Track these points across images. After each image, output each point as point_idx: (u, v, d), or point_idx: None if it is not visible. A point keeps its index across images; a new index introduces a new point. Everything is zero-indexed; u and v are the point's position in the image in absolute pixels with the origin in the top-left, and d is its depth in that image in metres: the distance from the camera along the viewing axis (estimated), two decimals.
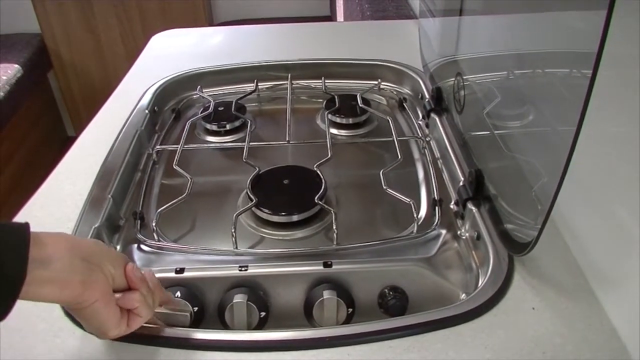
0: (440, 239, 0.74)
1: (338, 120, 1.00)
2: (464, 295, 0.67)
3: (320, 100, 1.08)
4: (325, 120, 0.97)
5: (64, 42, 2.69)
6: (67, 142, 2.80)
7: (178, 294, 0.66)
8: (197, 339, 0.58)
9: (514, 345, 0.56)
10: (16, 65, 2.39)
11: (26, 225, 0.47)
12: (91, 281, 0.49)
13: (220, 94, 1.12)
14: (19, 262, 0.44)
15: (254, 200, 0.76)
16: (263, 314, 0.67)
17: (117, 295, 0.52)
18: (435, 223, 0.76)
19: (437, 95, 0.97)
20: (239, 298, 0.66)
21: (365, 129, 1.01)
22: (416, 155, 0.93)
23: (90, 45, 2.71)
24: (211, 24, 2.81)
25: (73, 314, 0.54)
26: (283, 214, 0.75)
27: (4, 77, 2.28)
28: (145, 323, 0.56)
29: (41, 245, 0.47)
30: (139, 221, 0.78)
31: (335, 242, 0.72)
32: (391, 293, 0.68)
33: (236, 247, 0.71)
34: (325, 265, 0.68)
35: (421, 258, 0.71)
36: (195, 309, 0.66)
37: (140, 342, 0.57)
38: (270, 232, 0.76)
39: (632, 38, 0.53)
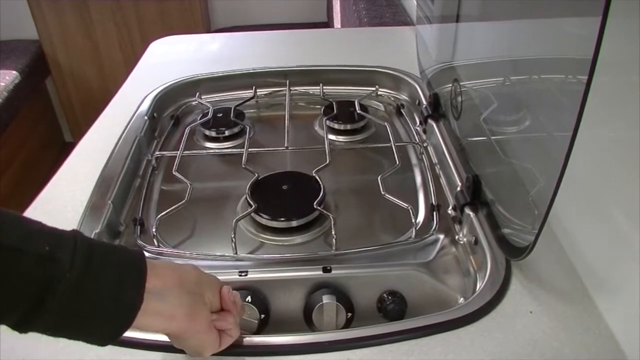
0: (439, 244, 0.75)
1: (336, 126, 1.01)
2: (462, 299, 0.68)
3: (319, 106, 1.09)
4: (324, 126, 0.98)
5: (62, 48, 2.70)
6: (64, 148, 2.81)
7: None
8: None
9: (512, 349, 0.57)
10: (14, 72, 2.39)
11: (142, 254, 0.48)
12: (196, 314, 0.51)
13: (219, 101, 1.13)
14: (137, 291, 0.46)
15: (253, 206, 0.76)
16: (263, 315, 0.67)
17: (213, 316, 0.54)
18: (433, 228, 0.77)
19: (435, 102, 0.98)
20: None
21: (363, 135, 1.01)
22: (414, 160, 0.93)
23: (88, 51, 2.72)
24: (209, 31, 2.82)
25: (170, 338, 0.54)
26: (282, 219, 0.76)
27: (2, 84, 2.29)
28: None
29: (156, 276, 0.48)
30: (139, 227, 0.78)
31: (334, 247, 0.72)
32: (390, 297, 0.68)
33: (236, 253, 0.72)
34: (325, 270, 0.69)
35: (419, 263, 0.71)
36: None
37: (136, 346, 0.58)
38: (270, 237, 0.76)
39: (628, 43, 0.54)
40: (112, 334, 0.46)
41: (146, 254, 0.72)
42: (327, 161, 0.86)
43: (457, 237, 0.76)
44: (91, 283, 0.43)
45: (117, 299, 0.45)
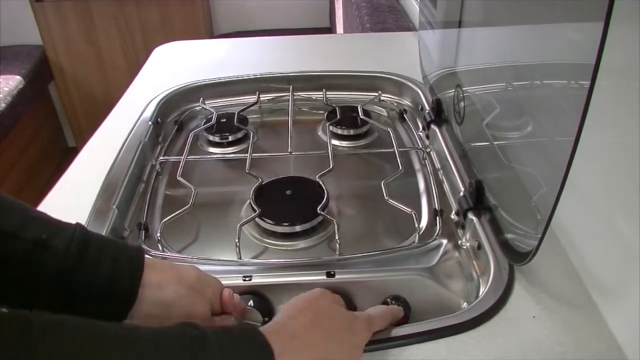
0: (442, 249, 0.75)
1: (339, 131, 1.01)
2: (465, 304, 0.68)
3: (322, 111, 1.09)
4: (327, 131, 0.98)
5: (65, 53, 2.71)
6: (67, 153, 2.81)
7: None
8: None
9: (515, 353, 0.57)
10: (18, 77, 2.41)
11: (141, 250, 0.50)
12: (195, 308, 0.51)
13: (223, 106, 1.13)
14: (134, 280, 0.47)
15: (257, 211, 0.77)
16: (266, 319, 0.67)
17: (215, 319, 0.54)
18: (436, 233, 0.77)
19: (437, 107, 0.98)
20: None
21: (366, 140, 1.02)
22: (417, 166, 0.94)
23: (91, 57, 2.73)
24: (211, 36, 2.83)
25: None
26: (286, 224, 0.76)
27: (6, 89, 2.30)
28: None
29: (154, 270, 0.49)
30: (143, 232, 0.79)
31: (337, 252, 0.72)
32: (393, 302, 0.68)
33: (240, 257, 0.72)
34: (328, 275, 0.69)
35: (423, 268, 0.71)
36: None
37: None
38: (274, 242, 0.76)
39: (631, 49, 0.54)
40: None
41: (149, 258, 0.74)
42: (331, 166, 0.86)
43: (460, 242, 0.76)
44: (85, 272, 0.44)
45: (110, 290, 0.45)
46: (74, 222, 0.75)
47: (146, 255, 0.50)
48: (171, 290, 0.50)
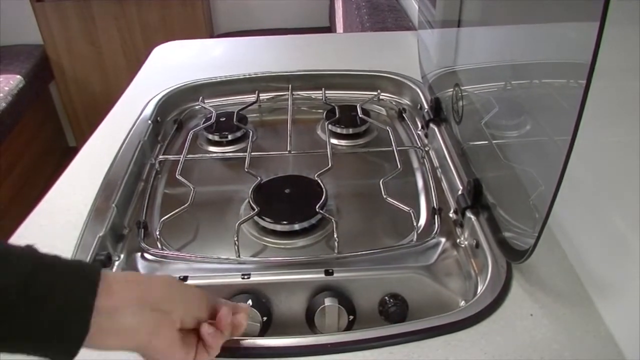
0: (440, 247, 0.75)
1: (338, 130, 1.01)
2: (463, 302, 0.68)
3: (321, 110, 1.10)
4: (326, 130, 0.99)
5: (66, 53, 2.72)
6: (68, 153, 2.82)
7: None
8: None
9: (513, 351, 0.57)
10: (18, 76, 2.41)
11: (98, 270, 0.45)
12: (158, 331, 0.47)
13: (222, 105, 1.14)
14: (85, 313, 0.43)
15: (256, 209, 0.77)
16: (265, 318, 0.68)
17: (208, 330, 0.51)
18: (434, 231, 0.77)
19: (436, 106, 0.98)
20: None
21: (365, 139, 1.02)
22: (415, 164, 0.94)
23: (91, 56, 2.74)
24: (211, 36, 2.83)
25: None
26: (285, 222, 0.76)
27: (7, 88, 2.30)
28: None
29: (109, 294, 0.44)
30: (142, 230, 0.79)
31: (336, 250, 0.73)
32: (391, 300, 0.69)
33: (239, 256, 0.72)
34: (327, 273, 0.69)
35: (421, 266, 0.72)
36: None
37: None
38: (272, 240, 0.77)
39: (629, 49, 0.54)
40: (63, 356, 0.43)
41: (149, 257, 0.74)
42: (330, 165, 0.86)
43: (458, 240, 0.76)
44: (33, 311, 0.41)
45: (59, 326, 0.42)
46: (74, 220, 0.76)
47: (107, 273, 0.45)
48: (128, 316, 0.45)
